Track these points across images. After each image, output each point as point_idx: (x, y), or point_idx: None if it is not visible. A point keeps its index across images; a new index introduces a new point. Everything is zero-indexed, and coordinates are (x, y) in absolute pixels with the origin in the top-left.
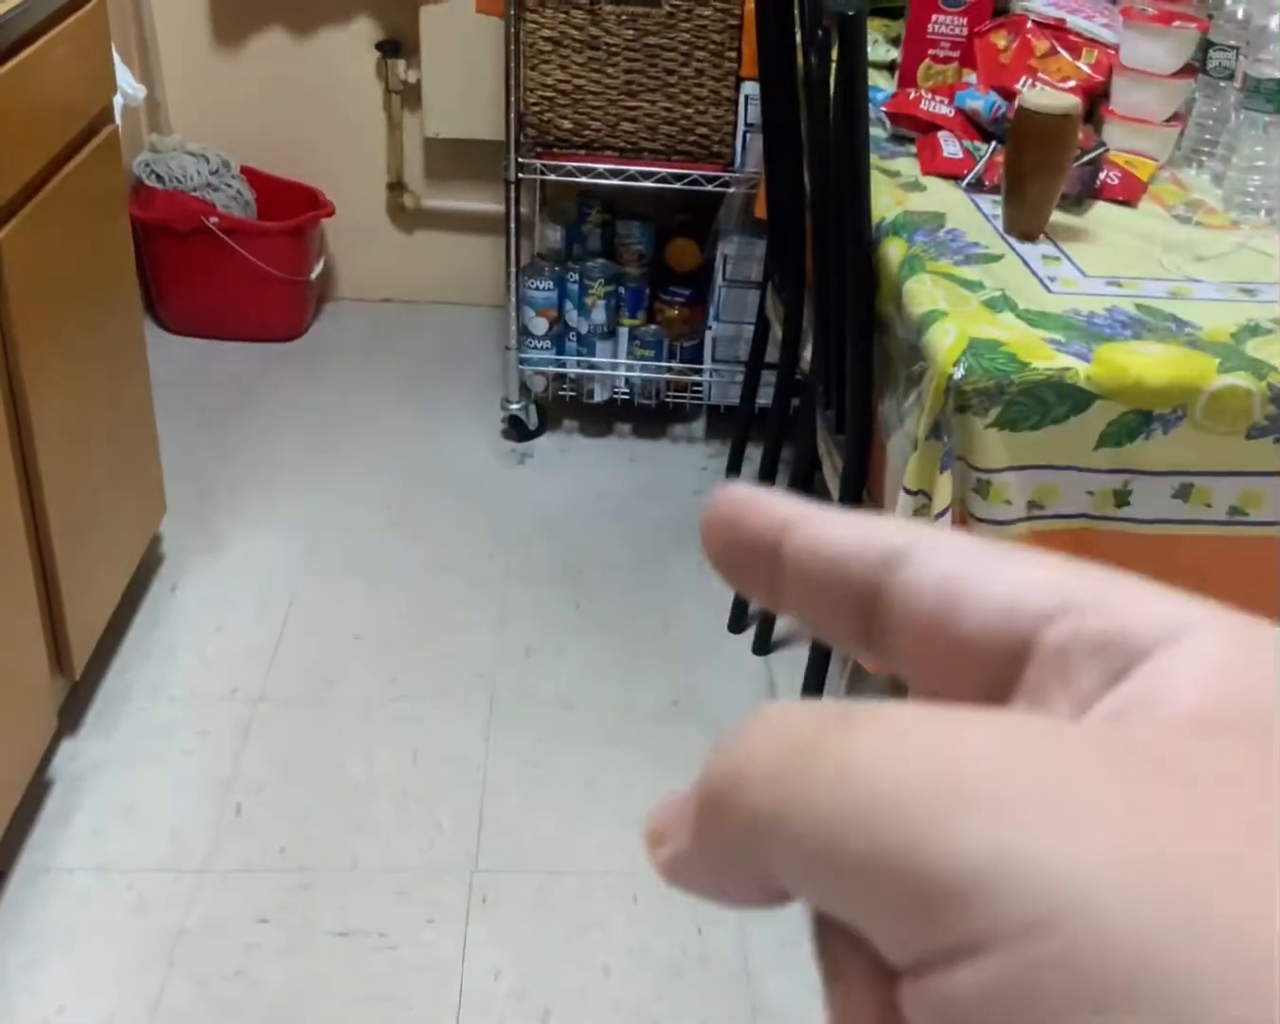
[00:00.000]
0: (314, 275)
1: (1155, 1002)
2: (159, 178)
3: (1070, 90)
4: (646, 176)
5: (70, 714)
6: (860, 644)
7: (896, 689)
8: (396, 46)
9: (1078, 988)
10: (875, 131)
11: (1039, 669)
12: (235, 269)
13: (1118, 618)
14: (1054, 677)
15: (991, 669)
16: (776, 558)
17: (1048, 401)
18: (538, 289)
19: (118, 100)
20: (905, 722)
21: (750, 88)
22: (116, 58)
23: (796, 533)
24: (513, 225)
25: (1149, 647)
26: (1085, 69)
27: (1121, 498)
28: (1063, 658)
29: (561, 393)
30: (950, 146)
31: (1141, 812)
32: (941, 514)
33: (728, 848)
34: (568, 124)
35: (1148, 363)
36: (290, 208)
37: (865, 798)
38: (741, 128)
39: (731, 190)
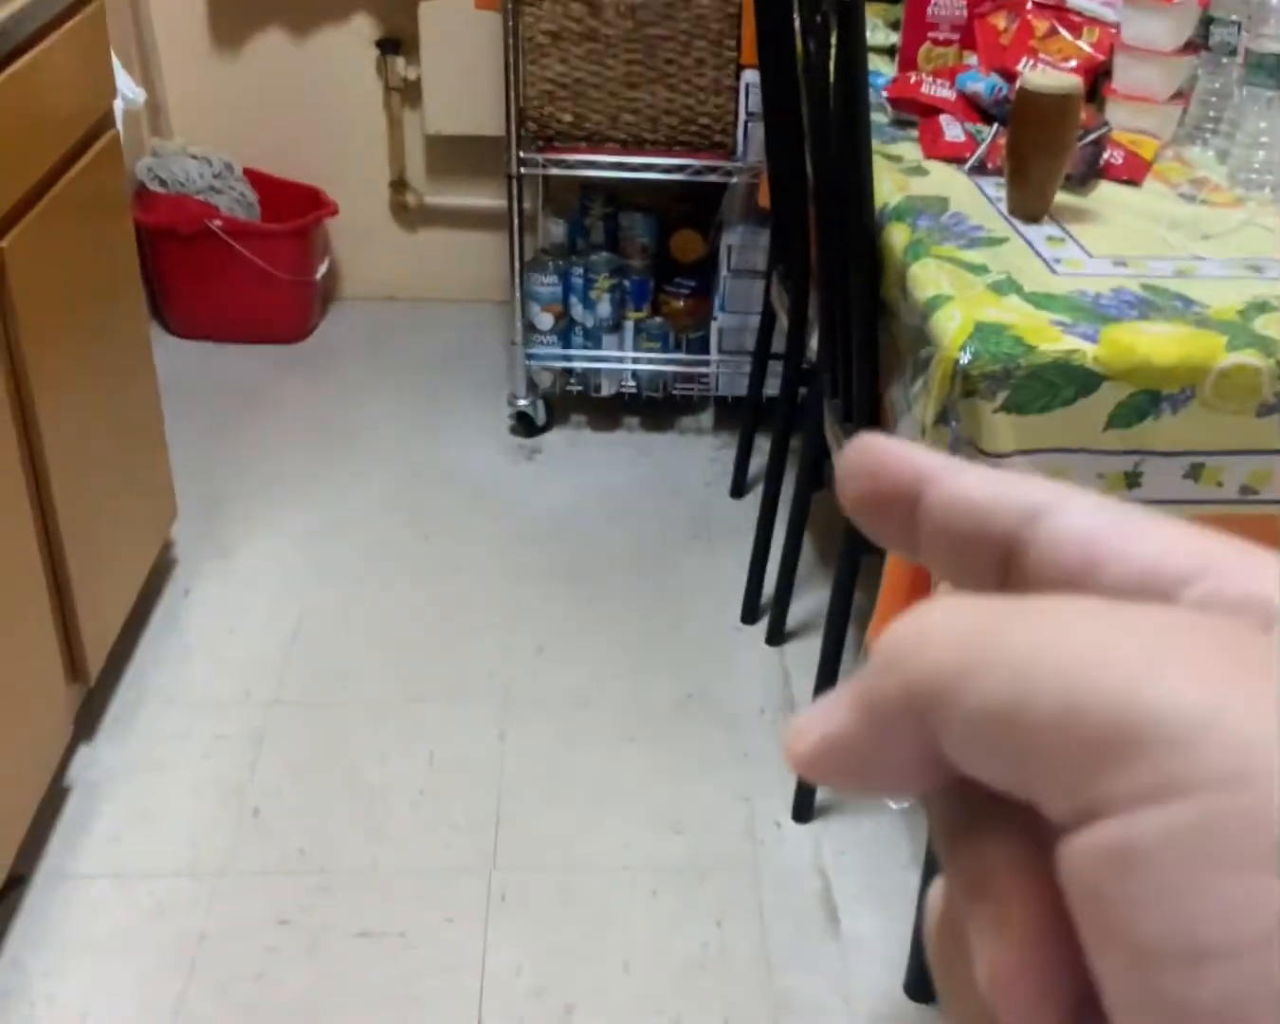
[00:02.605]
0: (319, 276)
1: None
2: (162, 182)
3: (1072, 70)
4: (649, 168)
5: (86, 720)
6: (994, 591)
7: None
8: (396, 44)
9: (1262, 842)
10: (876, 116)
11: None
12: (240, 271)
13: (1256, 582)
14: None
15: None
16: (914, 510)
17: (1055, 384)
18: (542, 284)
19: (118, 104)
20: (1104, 604)
21: (751, 76)
22: (116, 62)
23: (936, 488)
24: (516, 221)
25: None
26: (1086, 48)
27: (1133, 479)
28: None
29: (568, 388)
30: (952, 130)
31: None
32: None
33: (896, 714)
34: (568, 117)
35: (1155, 342)
36: (293, 209)
37: (1066, 652)
38: (743, 117)
39: (734, 180)
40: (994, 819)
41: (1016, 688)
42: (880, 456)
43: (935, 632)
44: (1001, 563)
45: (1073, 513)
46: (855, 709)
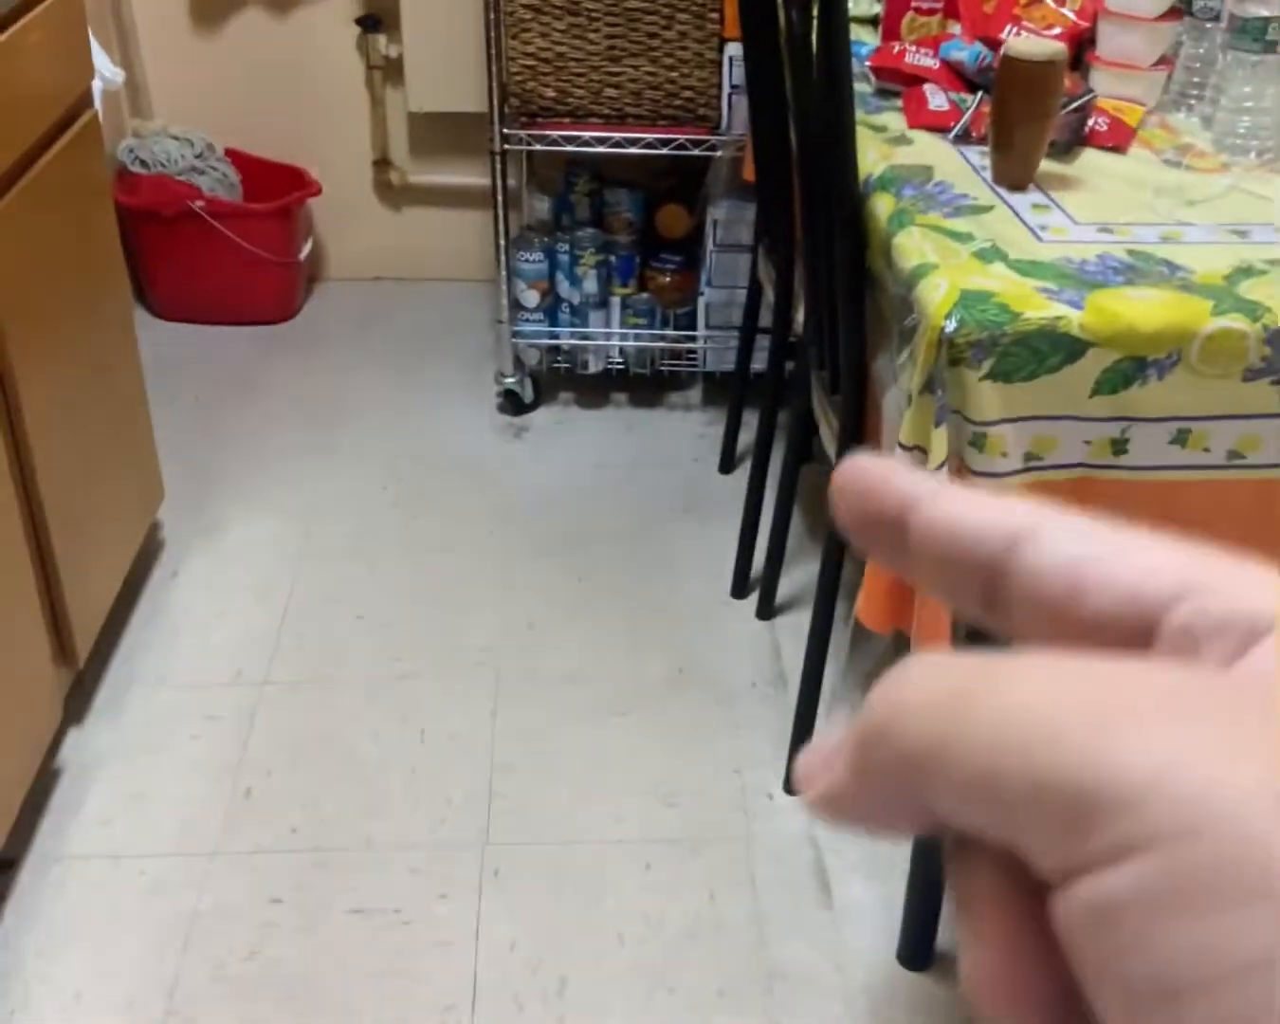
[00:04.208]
0: (303, 256)
1: None
2: (143, 163)
3: (1056, 37)
4: (633, 143)
5: (76, 703)
6: (981, 613)
7: (899, 651)
8: (376, 21)
9: (1222, 886)
10: (860, 86)
11: (1164, 648)
12: (223, 252)
13: (1238, 600)
14: (1179, 654)
15: (1115, 647)
16: (903, 529)
17: (1041, 351)
18: (528, 261)
19: (97, 85)
20: (1057, 665)
21: (734, 48)
22: (94, 42)
23: (923, 511)
24: (500, 198)
25: (1268, 626)
26: (1070, 15)
27: (1119, 446)
28: (1187, 636)
29: (555, 365)
30: (936, 99)
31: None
32: (938, 469)
33: (887, 779)
34: (551, 93)
35: (1141, 308)
36: (276, 189)
37: (1026, 726)
38: (727, 89)
39: (719, 154)
40: (983, 843)
41: (986, 765)
42: (868, 478)
43: (910, 706)
44: (986, 586)
45: (1055, 540)
46: (850, 771)
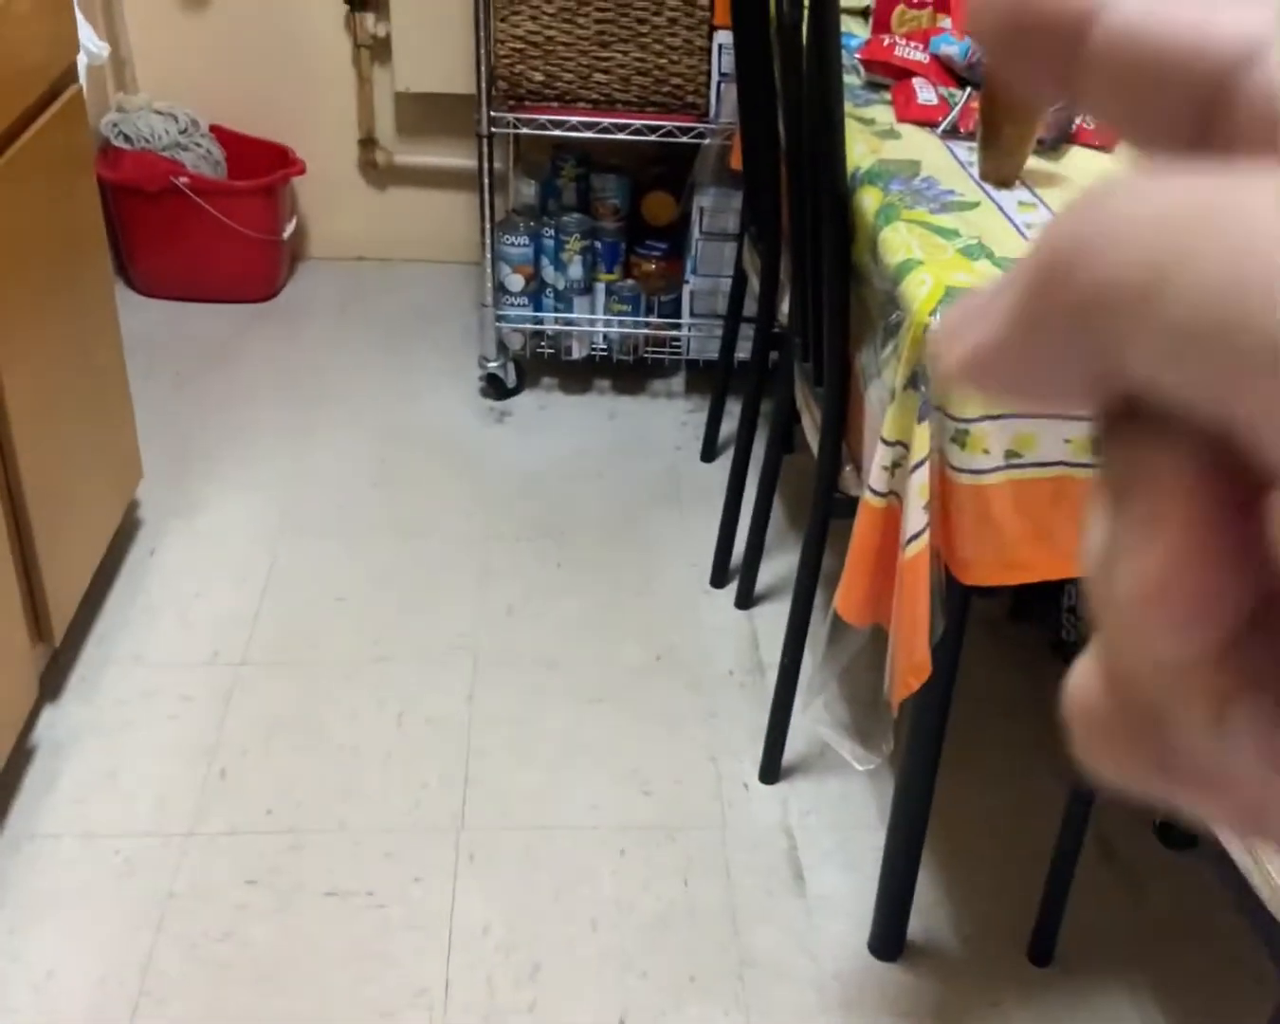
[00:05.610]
0: (286, 234)
1: None
2: (127, 138)
3: None
4: (620, 129)
5: (51, 681)
6: (1183, 145)
7: (878, 641)
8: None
9: None
10: (849, 79)
11: None
12: (206, 229)
13: None
14: None
15: None
16: (1076, 41)
17: None
18: (513, 245)
19: (81, 59)
20: None
21: (724, 36)
22: (79, 15)
23: (1114, 19)
24: (486, 181)
25: None
26: None
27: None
28: None
29: (539, 350)
30: (925, 93)
31: None
32: (919, 464)
33: (1067, 328)
34: (539, 76)
35: None
36: (261, 166)
37: None
38: (716, 78)
39: (706, 142)
40: (1161, 431)
41: (1219, 309)
42: None
43: (1124, 227)
44: (1201, 112)
45: None
46: (1016, 320)
